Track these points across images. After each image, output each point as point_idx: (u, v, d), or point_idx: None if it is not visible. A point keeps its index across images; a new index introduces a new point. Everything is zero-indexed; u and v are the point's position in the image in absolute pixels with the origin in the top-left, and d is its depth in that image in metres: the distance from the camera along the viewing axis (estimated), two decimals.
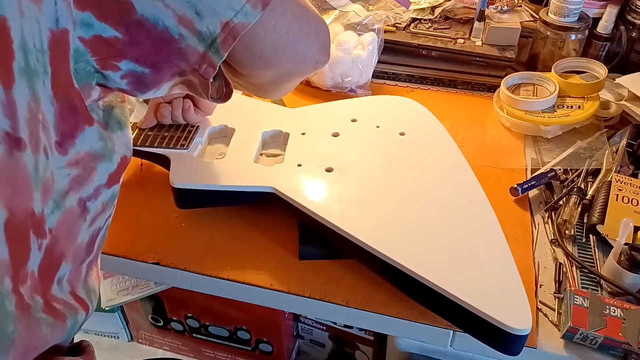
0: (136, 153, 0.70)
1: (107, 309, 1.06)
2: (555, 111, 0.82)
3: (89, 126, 0.41)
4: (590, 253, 0.66)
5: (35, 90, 0.36)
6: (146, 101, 0.84)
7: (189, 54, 0.41)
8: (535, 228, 0.70)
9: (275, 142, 0.73)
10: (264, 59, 0.46)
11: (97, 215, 0.46)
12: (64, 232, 0.42)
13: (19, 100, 0.35)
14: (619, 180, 0.71)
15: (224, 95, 0.48)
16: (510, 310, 0.51)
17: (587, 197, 0.71)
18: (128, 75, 0.42)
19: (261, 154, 0.72)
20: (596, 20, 0.93)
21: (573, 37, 0.91)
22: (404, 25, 0.96)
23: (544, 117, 0.81)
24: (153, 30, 0.39)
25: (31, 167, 0.37)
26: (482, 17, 0.92)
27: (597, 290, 0.62)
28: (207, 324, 1.09)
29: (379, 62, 0.93)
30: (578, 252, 0.66)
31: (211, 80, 0.43)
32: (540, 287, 0.63)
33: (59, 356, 0.43)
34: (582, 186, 0.73)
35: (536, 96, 0.84)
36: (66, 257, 0.43)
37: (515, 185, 0.72)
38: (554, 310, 0.60)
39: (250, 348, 1.11)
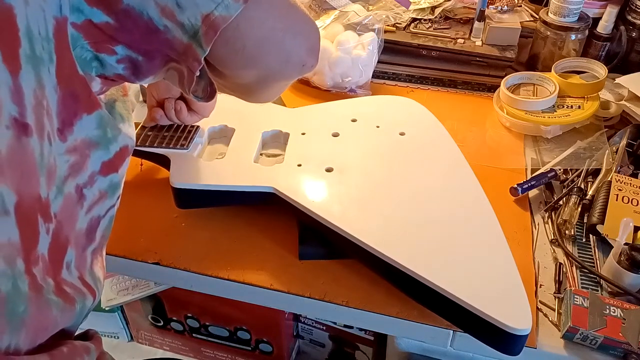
0: (136, 153, 0.70)
1: (107, 309, 1.06)
2: (555, 111, 0.82)
3: (87, 114, 0.42)
4: (590, 253, 0.66)
5: (41, 77, 0.37)
6: (146, 100, 0.84)
7: (176, 45, 0.41)
8: (535, 228, 0.70)
9: (275, 142, 0.73)
10: (247, 56, 0.44)
11: (95, 203, 0.46)
12: (66, 218, 0.43)
13: (25, 87, 0.36)
14: (619, 180, 0.71)
15: (209, 95, 0.47)
16: (510, 310, 0.51)
17: (587, 197, 0.71)
18: (124, 60, 0.42)
19: (261, 154, 0.72)
20: (596, 20, 0.93)
21: (573, 37, 0.91)
22: (404, 25, 0.96)
23: (544, 117, 0.81)
24: (140, 19, 0.39)
25: (37, 153, 0.38)
26: (482, 17, 0.92)
27: (597, 290, 0.62)
28: (207, 324, 1.09)
29: (379, 62, 0.93)
30: (578, 252, 0.66)
31: (197, 73, 0.43)
32: (540, 287, 0.62)
33: (69, 340, 0.44)
34: (582, 186, 0.73)
35: (536, 96, 0.84)
36: (70, 242, 0.44)
37: (515, 185, 0.72)
38: (554, 310, 0.60)
39: (250, 348, 1.11)
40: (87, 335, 0.48)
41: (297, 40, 0.47)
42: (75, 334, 0.47)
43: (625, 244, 0.61)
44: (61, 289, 0.42)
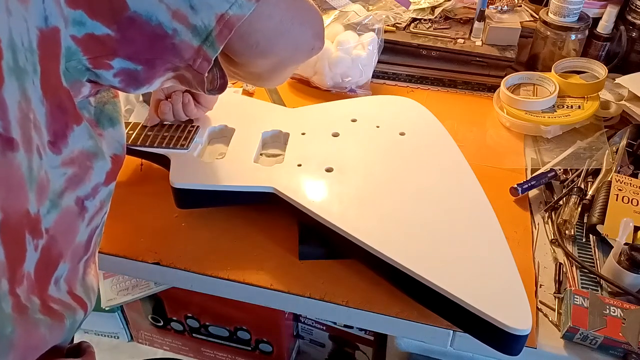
0: (136, 153, 0.70)
1: (107, 309, 1.06)
2: (555, 111, 0.82)
3: (77, 125, 0.41)
4: (590, 253, 0.66)
5: (25, 89, 0.36)
6: (146, 101, 0.84)
7: (183, 50, 0.41)
8: (535, 228, 0.70)
9: (275, 142, 0.73)
10: (260, 48, 0.47)
11: (95, 214, 0.46)
12: (61, 232, 0.42)
13: (9, 100, 0.35)
14: (619, 180, 0.71)
15: (219, 87, 0.48)
16: (510, 310, 0.51)
17: (587, 197, 0.71)
18: (121, 73, 0.41)
19: (261, 154, 0.72)
20: (596, 20, 0.93)
21: (573, 37, 0.91)
22: (404, 25, 0.96)
23: (544, 117, 0.81)
24: (146, 26, 0.39)
25: (25, 167, 0.37)
26: (482, 17, 0.92)
27: (597, 290, 0.62)
28: (207, 324, 1.09)
29: (379, 62, 0.93)
30: (578, 252, 0.66)
31: (206, 74, 0.43)
32: (540, 287, 0.62)
33: (59, 358, 0.43)
34: (582, 186, 0.73)
35: (536, 96, 0.84)
36: (64, 256, 0.43)
37: (515, 185, 0.72)
38: (554, 310, 0.60)
39: (250, 348, 1.11)
40: (79, 349, 0.47)
41: (304, 27, 0.50)
42: (69, 346, 0.47)
43: (625, 244, 0.61)
44: (48, 307, 0.41)
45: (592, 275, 0.63)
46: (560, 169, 0.76)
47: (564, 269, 0.64)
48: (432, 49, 0.93)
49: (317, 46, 0.53)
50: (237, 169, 0.66)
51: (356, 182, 0.64)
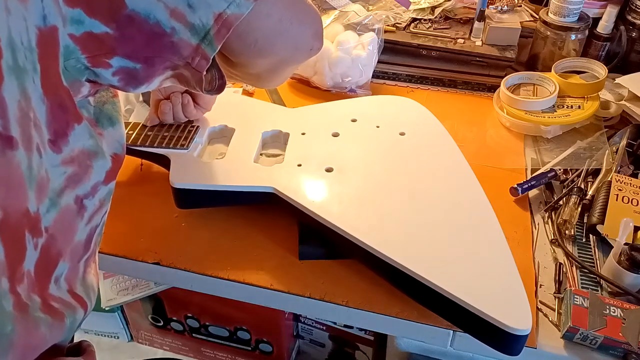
0: (136, 153, 0.70)
1: (107, 309, 1.06)
2: (555, 111, 0.82)
3: (78, 124, 0.41)
4: (590, 253, 0.66)
5: (25, 88, 0.36)
6: (146, 101, 0.84)
7: (182, 48, 0.41)
8: (535, 228, 0.70)
9: (275, 142, 0.73)
10: (258, 48, 0.47)
11: (95, 213, 0.46)
12: (61, 231, 0.42)
13: (8, 98, 0.35)
14: (619, 180, 0.71)
15: (217, 88, 0.48)
16: (510, 310, 0.51)
17: (587, 197, 0.71)
18: (119, 72, 0.41)
19: (261, 154, 0.72)
20: (596, 20, 0.93)
21: (573, 37, 0.91)
22: (404, 25, 0.96)
23: (544, 117, 0.81)
24: (144, 25, 0.39)
25: (24, 166, 0.37)
26: (482, 17, 0.92)
27: (597, 290, 0.62)
28: (207, 324, 1.09)
29: (379, 62, 0.93)
30: (578, 252, 0.66)
31: (204, 72, 0.43)
32: (540, 287, 0.62)
33: (59, 357, 0.43)
34: (582, 186, 0.73)
35: (536, 96, 0.84)
36: (64, 255, 0.43)
37: (515, 185, 0.72)
38: (554, 310, 0.60)
39: (250, 348, 1.11)
40: (80, 348, 0.47)
41: (303, 27, 0.49)
42: (69, 345, 0.46)
43: (625, 244, 0.61)
44: (48, 305, 0.41)
45: (592, 275, 0.63)
46: (560, 169, 0.76)
47: (564, 269, 0.64)
48: (432, 49, 0.93)
49: (316, 46, 0.53)
50: (237, 169, 0.66)
51: (356, 182, 0.64)
